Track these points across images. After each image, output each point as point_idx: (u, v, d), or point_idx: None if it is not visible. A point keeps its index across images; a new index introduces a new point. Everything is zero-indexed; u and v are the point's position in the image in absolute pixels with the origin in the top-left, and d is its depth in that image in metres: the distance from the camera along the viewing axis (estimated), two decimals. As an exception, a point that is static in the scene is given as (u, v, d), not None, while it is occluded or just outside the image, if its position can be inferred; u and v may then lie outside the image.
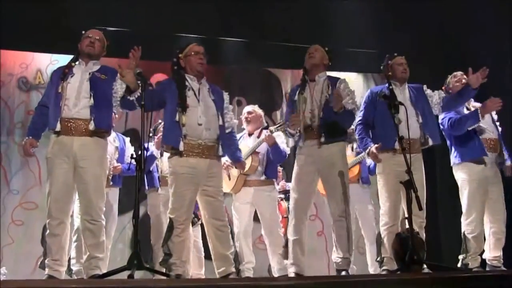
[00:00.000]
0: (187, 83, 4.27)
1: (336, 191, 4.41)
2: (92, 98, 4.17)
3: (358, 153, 5.77)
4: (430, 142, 4.71)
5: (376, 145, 4.64)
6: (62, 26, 6.18)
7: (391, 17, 6.99)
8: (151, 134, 5.61)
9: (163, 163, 5.55)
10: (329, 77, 4.63)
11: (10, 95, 6.71)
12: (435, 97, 4.83)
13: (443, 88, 5.17)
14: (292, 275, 4.43)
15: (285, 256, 4.52)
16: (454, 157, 5.06)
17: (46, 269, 4.12)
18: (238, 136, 5.39)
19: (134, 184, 3.89)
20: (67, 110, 4.14)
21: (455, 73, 5.20)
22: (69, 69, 4.26)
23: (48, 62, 6.89)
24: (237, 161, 4.58)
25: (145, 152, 3.87)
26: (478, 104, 5.07)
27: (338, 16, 6.98)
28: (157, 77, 7.04)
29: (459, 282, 3.58)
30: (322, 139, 4.41)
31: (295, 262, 4.43)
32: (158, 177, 5.56)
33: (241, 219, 5.28)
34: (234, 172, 5.27)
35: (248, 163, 5.23)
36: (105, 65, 4.41)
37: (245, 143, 5.40)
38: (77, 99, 4.16)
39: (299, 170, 4.50)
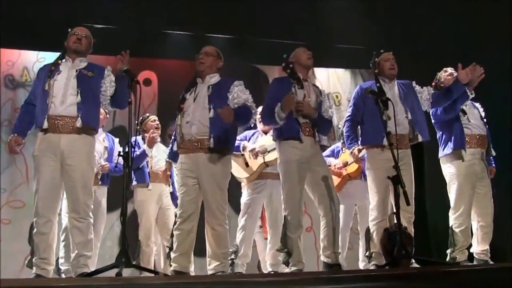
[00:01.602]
0: (194, 86, 4.39)
1: (328, 188, 4.45)
2: (79, 95, 4.13)
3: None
4: (420, 139, 4.74)
5: (359, 147, 4.78)
6: (48, 24, 6.15)
7: (378, 13, 7.01)
8: (138, 127, 5.62)
9: (153, 159, 5.55)
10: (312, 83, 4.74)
11: (-4, 93, 6.67)
12: (424, 93, 4.85)
13: (433, 83, 5.18)
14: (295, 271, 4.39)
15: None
16: (441, 150, 5.08)
17: (34, 268, 4.07)
18: (250, 133, 5.48)
19: (122, 182, 3.87)
20: (54, 108, 4.10)
21: (446, 68, 5.20)
22: (56, 66, 4.22)
23: (34, 60, 6.85)
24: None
25: (134, 148, 3.87)
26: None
27: (326, 12, 7.00)
28: (145, 74, 7.05)
29: (447, 276, 3.61)
30: (317, 138, 4.49)
31: (300, 259, 4.39)
32: (148, 172, 5.54)
33: (252, 212, 5.25)
34: (256, 160, 5.28)
35: (276, 155, 5.26)
36: (92, 62, 4.38)
37: (263, 140, 5.39)
38: (64, 97, 4.12)
39: (295, 164, 4.42)
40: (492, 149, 5.08)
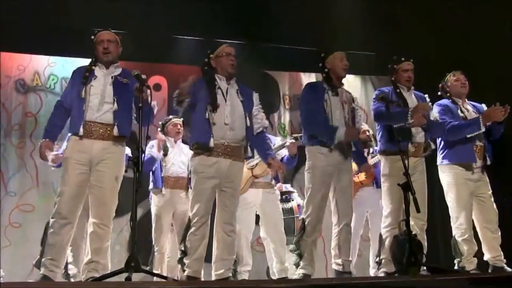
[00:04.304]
0: (216, 83, 4.28)
1: (348, 197, 4.51)
2: (115, 103, 4.13)
3: (372, 158, 5.77)
4: (433, 146, 4.77)
5: None
6: (59, 28, 6.18)
7: (389, 19, 6.99)
8: (159, 129, 5.62)
9: (166, 164, 5.51)
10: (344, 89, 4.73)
11: (7, 97, 6.70)
12: (431, 114, 4.83)
13: (440, 85, 5.14)
14: (301, 276, 4.42)
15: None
16: (441, 157, 4.99)
17: (42, 269, 4.04)
18: None
19: (131, 186, 3.87)
20: (90, 114, 4.09)
21: (454, 71, 5.14)
22: (90, 72, 4.19)
23: (45, 64, 6.88)
24: (267, 159, 4.44)
25: (142, 154, 3.85)
26: (470, 108, 5.05)
27: (336, 18, 6.99)
28: (155, 79, 7.06)
29: (458, 284, 3.58)
30: (353, 148, 4.53)
31: (309, 263, 4.44)
32: (162, 177, 5.50)
33: (246, 221, 5.27)
34: (244, 173, 5.27)
35: (265, 166, 5.26)
36: (125, 69, 4.34)
37: None
38: (100, 104, 4.11)
39: (318, 170, 4.47)
40: (488, 158, 4.93)
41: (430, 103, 4.87)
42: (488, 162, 4.97)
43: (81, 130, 4.07)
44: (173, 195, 5.53)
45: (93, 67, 4.23)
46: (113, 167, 4.13)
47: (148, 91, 4.03)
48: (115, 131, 4.11)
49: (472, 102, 5.13)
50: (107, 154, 4.11)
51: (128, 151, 5.31)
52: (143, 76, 4.00)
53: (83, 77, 4.17)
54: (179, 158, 5.58)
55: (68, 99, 4.24)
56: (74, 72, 4.33)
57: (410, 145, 4.60)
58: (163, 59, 7.16)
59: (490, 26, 6.44)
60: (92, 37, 4.30)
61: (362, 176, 5.69)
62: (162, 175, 5.50)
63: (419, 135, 4.68)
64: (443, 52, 6.83)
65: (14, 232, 6.36)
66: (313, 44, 6.88)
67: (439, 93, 5.15)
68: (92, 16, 6.10)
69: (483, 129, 4.78)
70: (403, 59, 4.83)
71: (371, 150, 5.87)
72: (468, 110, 5.02)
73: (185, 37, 7.06)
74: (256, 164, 5.30)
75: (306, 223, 4.46)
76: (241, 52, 7.08)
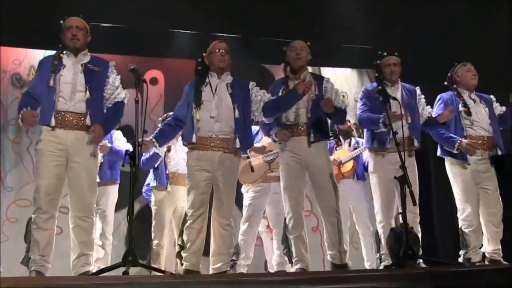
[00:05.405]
0: (207, 80, 4.31)
1: (327, 189, 4.45)
2: (88, 92, 4.08)
3: (355, 149, 5.76)
4: (416, 144, 4.73)
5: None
6: (55, 22, 6.12)
7: (385, 13, 6.99)
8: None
9: (170, 161, 5.50)
10: (313, 75, 4.66)
11: (3, 91, 6.67)
12: (424, 110, 4.85)
13: (449, 74, 5.12)
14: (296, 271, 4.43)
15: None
16: (439, 149, 5.03)
17: (32, 265, 3.98)
18: (254, 131, 5.29)
19: (128, 180, 3.87)
20: (62, 103, 4.04)
21: (465, 62, 5.10)
22: (59, 60, 4.13)
23: (41, 58, 6.84)
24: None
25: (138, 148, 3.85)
26: (477, 99, 5.02)
27: (333, 11, 6.98)
28: (152, 74, 7.05)
29: (456, 277, 3.59)
30: (312, 138, 4.43)
31: (300, 258, 4.44)
32: (167, 174, 5.47)
33: (255, 216, 5.30)
34: (261, 166, 5.30)
35: None
36: (94, 56, 4.30)
37: (268, 142, 5.37)
38: (72, 93, 4.05)
39: (287, 167, 4.48)
40: (498, 149, 4.95)
41: (422, 96, 4.85)
42: (499, 152, 4.96)
43: (53, 120, 4.00)
44: (177, 192, 5.49)
45: (61, 55, 4.16)
46: (89, 158, 4.09)
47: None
48: (88, 120, 4.07)
49: (479, 93, 5.10)
50: (82, 144, 4.06)
51: (125, 145, 5.33)
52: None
53: (51, 65, 4.10)
54: (181, 154, 5.57)
55: (37, 90, 4.14)
56: (41, 61, 4.27)
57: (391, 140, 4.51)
58: (160, 53, 7.14)
59: (489, 21, 6.44)
60: (61, 21, 4.24)
61: (344, 168, 5.67)
62: (167, 172, 5.46)
63: (400, 130, 4.58)
64: (439, 47, 6.83)
65: (12, 227, 6.34)
66: (310, 38, 6.86)
67: (445, 83, 5.13)
68: (89, 10, 6.05)
69: (456, 152, 4.83)
70: (385, 53, 4.81)
71: (353, 141, 5.85)
72: (475, 101, 5.00)
73: (182, 31, 7.04)
74: (274, 160, 5.29)
75: (287, 220, 4.49)
76: (238, 46, 7.12)
